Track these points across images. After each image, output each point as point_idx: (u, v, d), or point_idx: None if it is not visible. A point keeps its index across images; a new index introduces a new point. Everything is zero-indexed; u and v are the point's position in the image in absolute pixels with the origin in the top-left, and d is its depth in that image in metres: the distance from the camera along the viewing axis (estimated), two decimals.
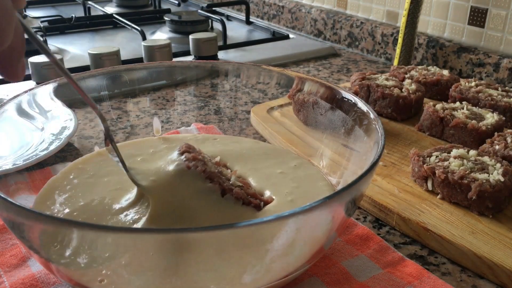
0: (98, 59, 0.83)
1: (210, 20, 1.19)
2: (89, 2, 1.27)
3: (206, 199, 0.41)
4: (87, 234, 0.32)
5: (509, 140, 0.58)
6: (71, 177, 0.48)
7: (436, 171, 0.52)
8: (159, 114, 0.70)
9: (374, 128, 0.45)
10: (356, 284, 0.42)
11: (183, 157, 0.43)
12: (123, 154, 0.42)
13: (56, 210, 0.44)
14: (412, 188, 0.54)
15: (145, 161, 0.52)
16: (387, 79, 0.74)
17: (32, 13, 1.28)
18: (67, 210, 0.43)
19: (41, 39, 0.40)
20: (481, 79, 0.89)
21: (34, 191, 0.47)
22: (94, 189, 0.46)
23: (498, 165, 0.53)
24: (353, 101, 0.50)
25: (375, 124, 0.45)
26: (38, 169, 0.49)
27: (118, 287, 0.35)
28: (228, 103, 0.69)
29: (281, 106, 0.73)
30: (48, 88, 0.51)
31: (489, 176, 0.51)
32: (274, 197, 0.46)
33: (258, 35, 1.18)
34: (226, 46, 1.06)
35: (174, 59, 0.93)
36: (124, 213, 0.42)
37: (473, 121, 0.63)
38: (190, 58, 0.97)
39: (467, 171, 0.51)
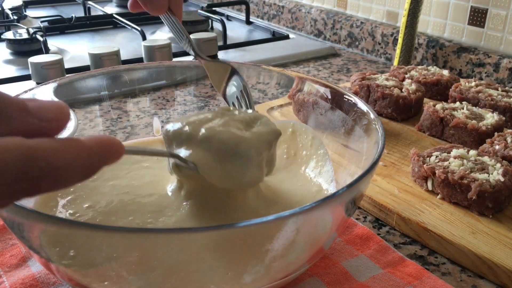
0: (98, 59, 0.83)
1: (210, 20, 1.19)
2: (89, 2, 1.27)
3: None
4: (90, 234, 0.32)
5: (509, 140, 0.58)
6: None
7: (436, 171, 0.52)
8: (159, 114, 0.70)
9: (374, 128, 0.45)
10: (356, 284, 0.42)
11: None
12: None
13: (58, 212, 0.44)
14: (412, 188, 0.54)
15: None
16: (387, 79, 0.74)
17: (32, 13, 1.28)
18: (70, 212, 0.43)
19: None
20: (481, 79, 0.89)
21: None
22: (99, 192, 0.46)
23: (498, 165, 0.53)
24: (353, 101, 0.50)
25: (375, 124, 0.45)
26: None
27: (118, 287, 0.35)
28: None
29: (281, 106, 0.73)
30: (48, 88, 0.51)
31: (489, 176, 0.51)
32: None
33: (258, 35, 1.18)
34: (226, 46, 1.06)
35: (174, 59, 0.93)
36: (132, 217, 0.42)
37: (473, 121, 0.63)
38: (190, 58, 0.97)
39: (467, 171, 0.51)
